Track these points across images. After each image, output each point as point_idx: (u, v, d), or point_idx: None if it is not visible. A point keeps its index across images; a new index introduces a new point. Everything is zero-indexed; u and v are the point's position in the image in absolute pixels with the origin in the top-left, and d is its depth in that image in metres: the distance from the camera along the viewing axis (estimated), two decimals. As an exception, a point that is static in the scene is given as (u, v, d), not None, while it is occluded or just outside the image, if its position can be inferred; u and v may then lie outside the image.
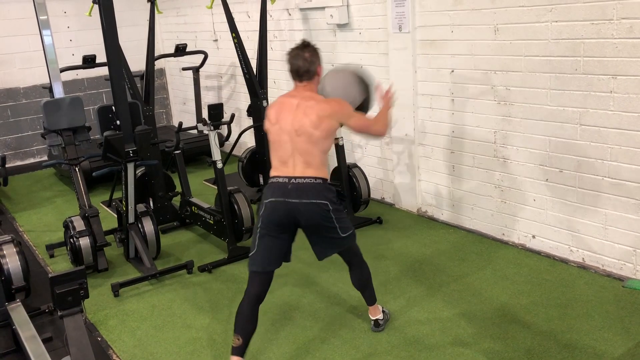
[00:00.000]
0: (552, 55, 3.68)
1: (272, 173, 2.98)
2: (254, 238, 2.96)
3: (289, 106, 2.97)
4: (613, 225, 3.62)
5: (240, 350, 2.86)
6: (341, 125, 3.04)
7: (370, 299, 3.28)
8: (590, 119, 3.58)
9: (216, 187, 4.58)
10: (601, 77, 3.47)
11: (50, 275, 2.42)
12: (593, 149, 3.61)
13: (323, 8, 5.31)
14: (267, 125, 3.01)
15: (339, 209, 2.95)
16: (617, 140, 3.48)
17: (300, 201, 2.85)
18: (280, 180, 2.90)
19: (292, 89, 3.08)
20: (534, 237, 4.12)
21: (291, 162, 2.91)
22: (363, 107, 3.29)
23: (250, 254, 2.97)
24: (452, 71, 4.36)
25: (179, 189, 5.16)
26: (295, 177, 2.88)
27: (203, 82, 7.50)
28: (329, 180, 2.97)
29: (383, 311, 3.33)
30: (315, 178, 2.89)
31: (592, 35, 3.45)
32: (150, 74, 5.26)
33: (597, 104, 3.52)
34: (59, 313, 2.47)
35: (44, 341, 3.12)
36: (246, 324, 2.88)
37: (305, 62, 2.96)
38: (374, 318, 3.31)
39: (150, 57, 5.35)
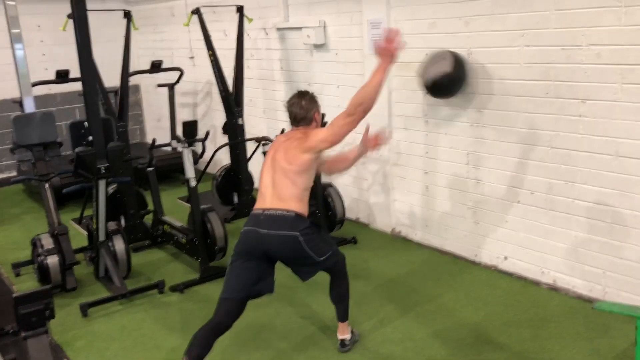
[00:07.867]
0: (524, 78, 3.75)
1: (255, 205, 3.11)
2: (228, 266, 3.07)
3: (278, 143, 3.16)
4: (583, 247, 3.68)
5: None
6: (320, 153, 3.08)
7: (343, 315, 3.28)
8: (561, 142, 3.65)
9: (190, 206, 4.53)
10: (571, 101, 3.54)
11: (14, 295, 2.36)
12: (564, 171, 3.67)
13: (300, 28, 5.35)
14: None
15: (312, 238, 2.99)
16: (587, 163, 3.54)
17: (269, 232, 2.93)
18: (257, 211, 3.03)
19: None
20: (506, 258, 4.15)
21: (268, 195, 3.04)
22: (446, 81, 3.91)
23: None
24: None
25: (151, 207, 5.09)
26: (268, 209, 2.99)
27: (178, 99, 7.46)
28: (304, 215, 3.02)
29: (352, 331, 3.33)
30: (288, 210, 2.97)
31: (562, 60, 3.53)
32: (125, 90, 5.22)
33: (568, 128, 3.59)
34: (23, 334, 2.40)
35: (7, 363, 3.03)
36: (195, 348, 2.86)
37: (302, 109, 3.15)
38: (341, 337, 3.30)
39: (125, 73, 5.31)
